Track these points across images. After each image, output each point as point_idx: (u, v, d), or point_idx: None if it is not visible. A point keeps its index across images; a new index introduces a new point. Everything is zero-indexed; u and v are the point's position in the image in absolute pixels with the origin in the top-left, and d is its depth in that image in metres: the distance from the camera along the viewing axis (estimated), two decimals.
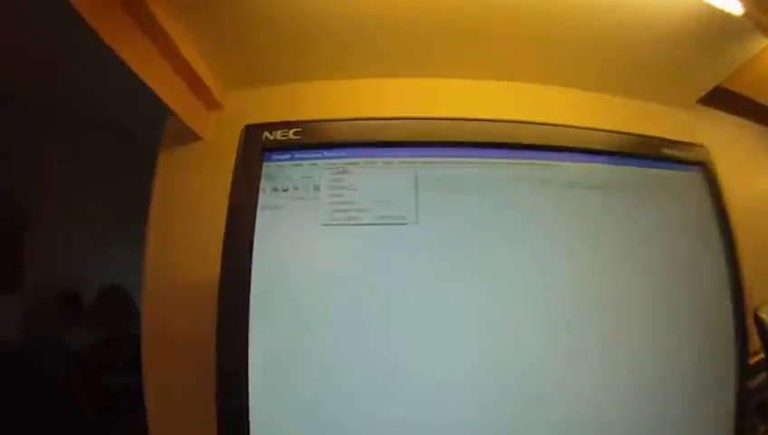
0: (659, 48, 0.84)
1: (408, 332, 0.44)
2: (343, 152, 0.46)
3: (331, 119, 0.48)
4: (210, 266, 0.78)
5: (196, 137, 0.86)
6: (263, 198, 0.45)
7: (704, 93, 1.02)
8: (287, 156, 0.47)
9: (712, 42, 0.81)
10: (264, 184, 0.46)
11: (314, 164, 0.46)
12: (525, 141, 0.52)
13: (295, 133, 0.47)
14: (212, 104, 0.86)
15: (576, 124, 0.55)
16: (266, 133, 0.48)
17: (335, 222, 0.45)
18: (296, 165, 0.46)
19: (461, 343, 0.45)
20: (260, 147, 0.47)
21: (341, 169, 0.45)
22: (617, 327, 0.49)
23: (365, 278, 0.44)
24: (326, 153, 0.46)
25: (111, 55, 0.62)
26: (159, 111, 0.82)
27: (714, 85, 0.98)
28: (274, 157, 0.47)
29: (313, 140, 0.47)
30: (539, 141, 0.52)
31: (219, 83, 0.85)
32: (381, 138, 0.47)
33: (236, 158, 0.47)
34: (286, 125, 0.48)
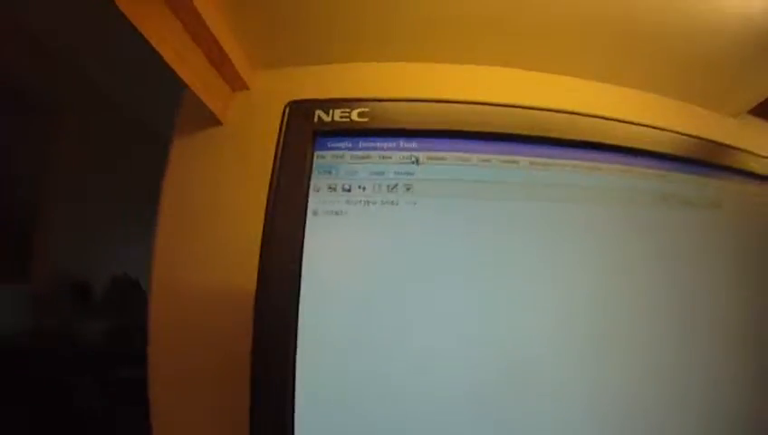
0: (717, 53, 0.73)
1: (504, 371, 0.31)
2: (428, 142, 0.33)
3: (406, 98, 0.34)
4: (226, 266, 0.66)
5: (216, 121, 0.72)
6: (316, 199, 0.31)
7: (755, 104, 0.91)
8: (348, 143, 0.33)
9: None
10: (318, 180, 0.32)
11: (387, 157, 0.32)
12: (643, 147, 0.38)
13: (360, 114, 0.33)
14: (236, 84, 0.72)
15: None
16: (319, 112, 0.34)
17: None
18: (361, 157, 0.32)
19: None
20: (311, 130, 0.33)
21: (425, 164, 0.32)
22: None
23: (460, 314, 0.31)
24: (403, 142, 0.33)
25: (122, 35, 0.50)
26: (177, 97, 0.71)
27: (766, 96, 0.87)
28: (330, 144, 0.33)
29: (386, 123, 0.33)
30: (659, 148, 0.39)
31: (246, 60, 0.71)
32: (479, 127, 0.33)
33: (278, 142, 0.34)
34: (347, 103, 0.34)
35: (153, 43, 0.54)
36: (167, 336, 0.67)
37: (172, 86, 0.64)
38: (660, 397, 0.34)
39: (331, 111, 0.34)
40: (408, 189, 0.32)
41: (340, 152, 0.33)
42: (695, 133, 0.49)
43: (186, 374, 0.65)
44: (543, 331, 0.33)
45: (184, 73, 0.62)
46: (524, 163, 0.34)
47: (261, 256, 0.30)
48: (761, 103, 0.88)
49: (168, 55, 0.57)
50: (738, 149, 0.52)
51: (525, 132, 0.34)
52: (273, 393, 0.28)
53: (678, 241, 0.39)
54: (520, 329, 0.33)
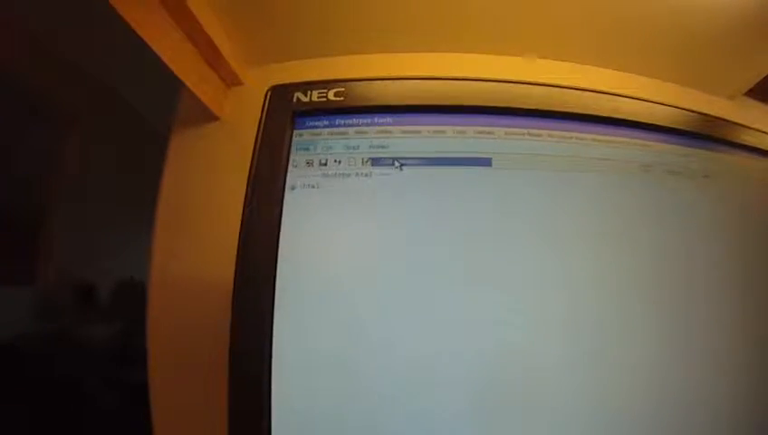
0: (712, 35, 0.72)
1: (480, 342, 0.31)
2: (402, 117, 0.33)
3: (381, 77, 0.35)
4: (226, 260, 0.67)
5: (212, 116, 0.73)
6: (293, 175, 0.32)
7: (751, 85, 0.90)
8: (325, 121, 0.34)
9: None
10: (296, 157, 0.33)
11: (362, 132, 0.33)
12: (625, 117, 0.38)
13: (337, 94, 0.34)
14: (231, 80, 0.73)
15: None
16: (298, 94, 0.35)
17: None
18: (338, 133, 0.33)
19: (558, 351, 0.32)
20: (290, 110, 0.34)
21: (399, 137, 0.32)
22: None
23: (426, 277, 0.31)
24: (378, 118, 0.33)
25: (124, 37, 0.52)
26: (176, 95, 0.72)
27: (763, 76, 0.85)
28: (309, 122, 0.34)
29: (361, 101, 0.34)
30: (641, 118, 0.39)
31: (240, 57, 0.72)
32: (452, 101, 0.34)
33: (259, 124, 0.34)
34: (324, 84, 0.35)
35: (148, 40, 0.55)
36: (165, 332, 0.68)
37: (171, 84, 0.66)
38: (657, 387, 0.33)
39: (309, 93, 0.35)
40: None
41: (317, 130, 0.34)
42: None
43: (186, 370, 0.65)
44: (531, 311, 0.33)
45: (179, 71, 0.63)
46: (500, 133, 0.34)
47: (241, 230, 0.31)
48: (757, 85, 0.87)
49: (163, 53, 0.59)
50: (731, 122, 0.52)
51: (501, 104, 0.35)
52: (250, 371, 0.29)
53: (670, 212, 0.39)
54: (506, 299, 0.33)
